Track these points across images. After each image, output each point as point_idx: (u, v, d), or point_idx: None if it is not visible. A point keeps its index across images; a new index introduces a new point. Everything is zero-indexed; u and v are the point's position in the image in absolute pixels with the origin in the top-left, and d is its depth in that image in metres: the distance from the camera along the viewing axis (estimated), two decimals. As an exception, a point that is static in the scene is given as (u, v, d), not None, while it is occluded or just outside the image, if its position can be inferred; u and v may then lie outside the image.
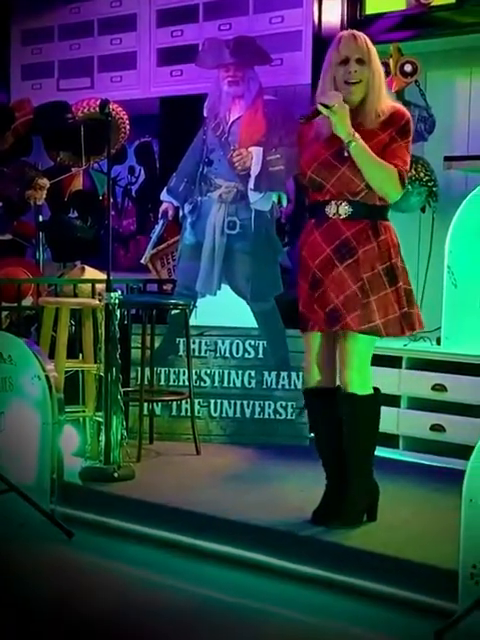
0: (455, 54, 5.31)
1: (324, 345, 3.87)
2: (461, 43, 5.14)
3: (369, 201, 3.75)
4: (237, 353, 5.50)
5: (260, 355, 5.48)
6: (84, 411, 5.21)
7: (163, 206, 5.75)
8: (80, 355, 5.41)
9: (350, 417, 3.82)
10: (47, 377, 4.34)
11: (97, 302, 4.95)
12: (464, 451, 3.76)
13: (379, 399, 3.91)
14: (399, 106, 3.86)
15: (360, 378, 3.79)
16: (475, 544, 3.12)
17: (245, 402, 5.47)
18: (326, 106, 3.64)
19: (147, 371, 5.27)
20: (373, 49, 3.77)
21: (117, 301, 4.58)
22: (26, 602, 3.45)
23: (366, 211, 3.75)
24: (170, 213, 5.72)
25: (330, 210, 3.77)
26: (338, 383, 3.89)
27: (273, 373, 5.41)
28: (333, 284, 3.74)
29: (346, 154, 3.70)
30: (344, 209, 3.75)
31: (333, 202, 3.77)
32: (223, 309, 5.50)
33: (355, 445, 3.85)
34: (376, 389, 3.88)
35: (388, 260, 3.76)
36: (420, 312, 3.87)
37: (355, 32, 3.82)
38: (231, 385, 5.49)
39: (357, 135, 3.67)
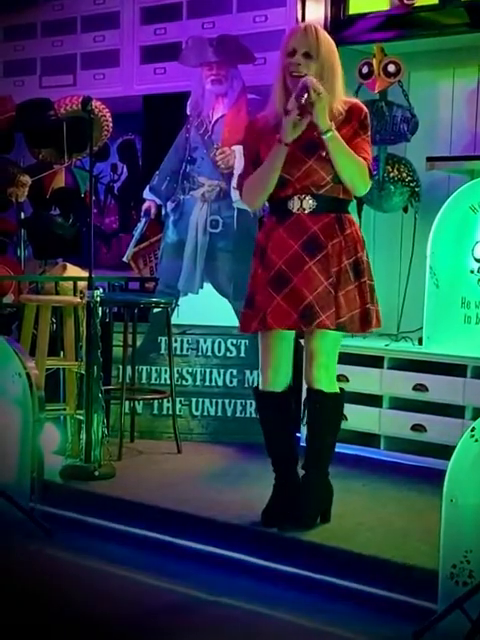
0: (438, 55, 5.30)
1: (281, 345, 3.79)
2: (444, 44, 5.14)
3: (333, 194, 3.67)
4: (219, 352, 5.49)
5: (242, 354, 5.48)
6: (65, 409, 5.18)
7: (146, 204, 5.76)
8: (61, 353, 5.40)
9: (316, 414, 3.77)
10: (28, 375, 4.32)
11: (79, 300, 4.93)
12: (445, 451, 3.77)
13: (343, 399, 3.87)
14: (356, 100, 3.78)
15: (328, 376, 3.75)
16: (455, 544, 3.13)
17: (227, 401, 5.46)
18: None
19: (129, 369, 5.26)
20: (326, 45, 3.64)
21: (99, 299, 4.58)
22: (4, 600, 3.43)
23: (330, 205, 3.68)
24: (153, 211, 5.73)
25: (293, 205, 3.68)
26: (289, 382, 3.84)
27: (255, 372, 5.39)
28: (304, 281, 3.63)
29: (318, 145, 3.59)
30: (308, 203, 3.66)
31: (296, 197, 3.66)
32: (205, 308, 5.50)
33: (319, 442, 3.79)
34: (341, 389, 3.85)
35: (354, 254, 3.70)
36: (379, 310, 3.80)
37: (309, 25, 3.70)
38: (213, 384, 5.49)
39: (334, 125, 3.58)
